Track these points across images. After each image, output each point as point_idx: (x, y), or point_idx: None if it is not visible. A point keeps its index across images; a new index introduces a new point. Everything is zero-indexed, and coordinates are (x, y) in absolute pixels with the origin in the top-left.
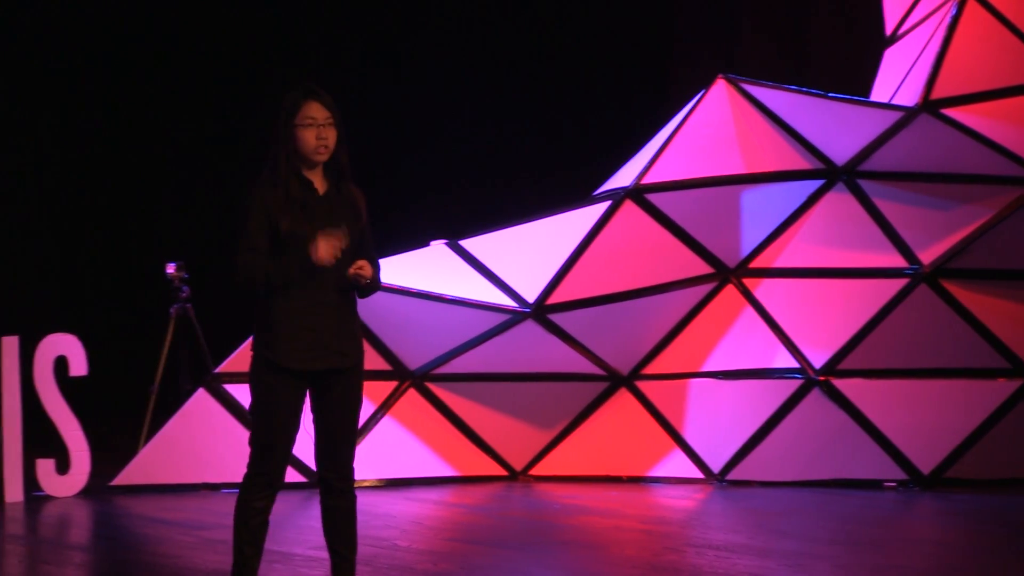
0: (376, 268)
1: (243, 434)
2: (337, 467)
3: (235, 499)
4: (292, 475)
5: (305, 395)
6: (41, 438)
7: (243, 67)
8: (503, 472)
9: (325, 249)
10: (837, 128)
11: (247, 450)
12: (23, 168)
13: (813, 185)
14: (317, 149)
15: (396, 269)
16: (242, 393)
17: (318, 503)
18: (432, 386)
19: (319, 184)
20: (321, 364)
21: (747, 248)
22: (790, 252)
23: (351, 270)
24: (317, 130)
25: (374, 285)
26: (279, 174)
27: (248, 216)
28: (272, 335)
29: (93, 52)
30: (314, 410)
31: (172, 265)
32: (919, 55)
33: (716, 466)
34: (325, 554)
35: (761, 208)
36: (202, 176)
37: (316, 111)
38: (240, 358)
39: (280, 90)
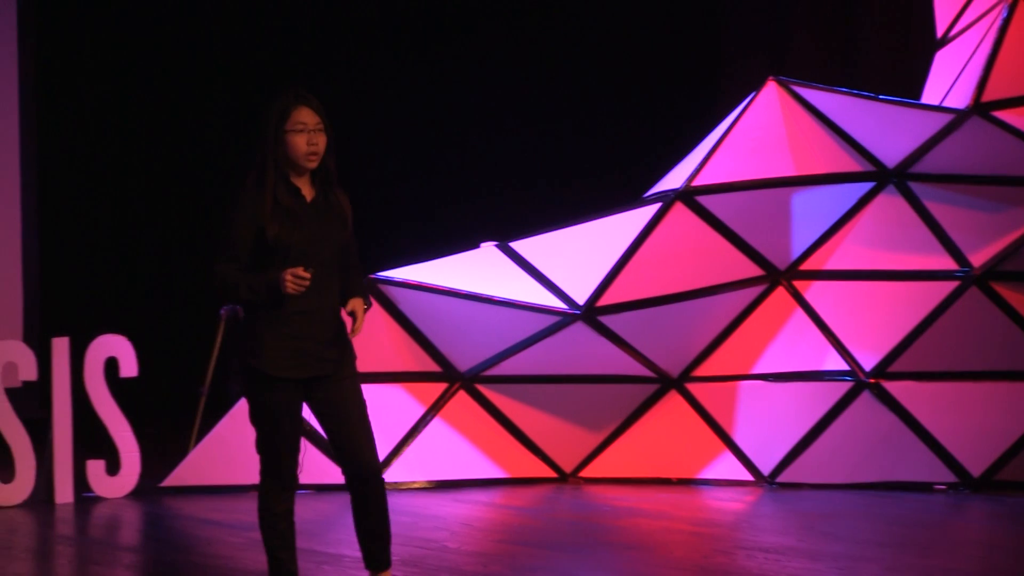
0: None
1: None
2: (357, 468)
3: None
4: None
5: (301, 396)
6: (91, 439)
7: (294, 70)
8: (553, 474)
9: (292, 285)
10: (888, 130)
11: None
12: (74, 170)
13: (864, 187)
14: (308, 155)
15: (446, 271)
16: None
17: None
18: (482, 388)
19: (307, 191)
20: (305, 372)
21: (797, 250)
22: (840, 254)
23: (353, 329)
24: (308, 136)
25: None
26: (266, 180)
27: (232, 223)
28: (256, 344)
29: (145, 56)
30: (318, 418)
31: None
32: (970, 58)
33: (766, 468)
34: None
35: (811, 210)
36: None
37: (307, 116)
38: None
39: (337, 93)
